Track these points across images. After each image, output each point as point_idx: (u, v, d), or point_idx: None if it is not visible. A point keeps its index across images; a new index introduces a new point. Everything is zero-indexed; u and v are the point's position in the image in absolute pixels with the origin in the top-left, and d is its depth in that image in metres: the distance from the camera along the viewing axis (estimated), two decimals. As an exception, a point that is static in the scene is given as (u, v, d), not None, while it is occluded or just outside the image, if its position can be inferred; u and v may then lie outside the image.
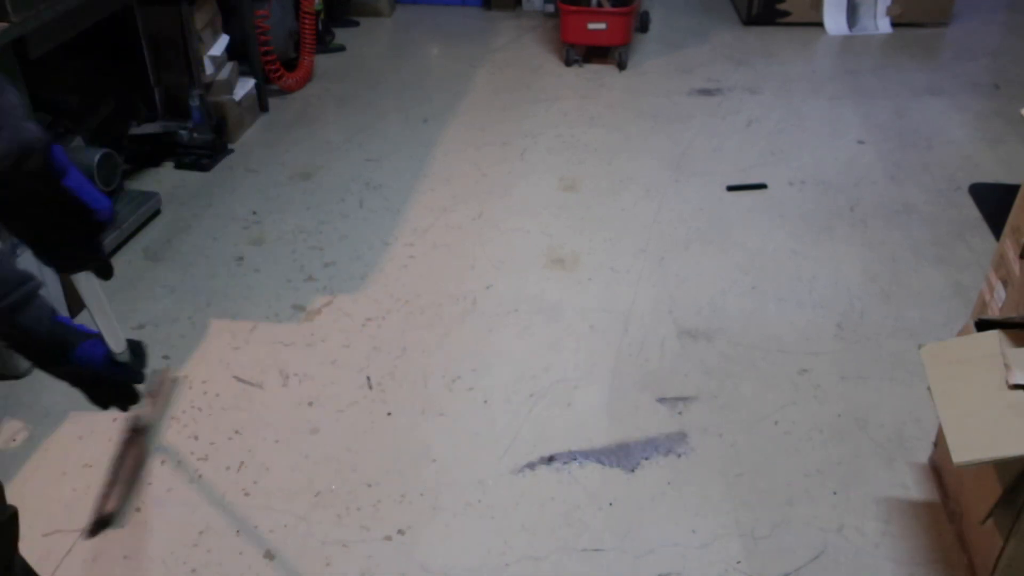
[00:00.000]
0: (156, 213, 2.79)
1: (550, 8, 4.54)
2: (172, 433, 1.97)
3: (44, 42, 2.20)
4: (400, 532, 1.74)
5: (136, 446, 1.53)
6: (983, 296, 1.74)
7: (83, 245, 0.97)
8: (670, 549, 1.69)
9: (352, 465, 1.89)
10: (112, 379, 1.19)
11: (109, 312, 1.10)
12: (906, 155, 3.12)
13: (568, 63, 3.91)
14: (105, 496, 1.46)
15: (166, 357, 2.19)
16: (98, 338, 1.14)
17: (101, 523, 1.42)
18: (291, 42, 3.71)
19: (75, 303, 2.33)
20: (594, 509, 1.78)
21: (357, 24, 4.46)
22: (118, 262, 2.58)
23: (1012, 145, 3.18)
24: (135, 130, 2.95)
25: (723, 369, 2.14)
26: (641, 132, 3.31)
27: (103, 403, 1.21)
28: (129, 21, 2.86)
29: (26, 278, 1.08)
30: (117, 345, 1.13)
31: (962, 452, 1.32)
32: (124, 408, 1.22)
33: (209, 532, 1.74)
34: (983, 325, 1.51)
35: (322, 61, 3.98)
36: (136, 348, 1.19)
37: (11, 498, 1.87)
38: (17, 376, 2.13)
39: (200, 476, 1.87)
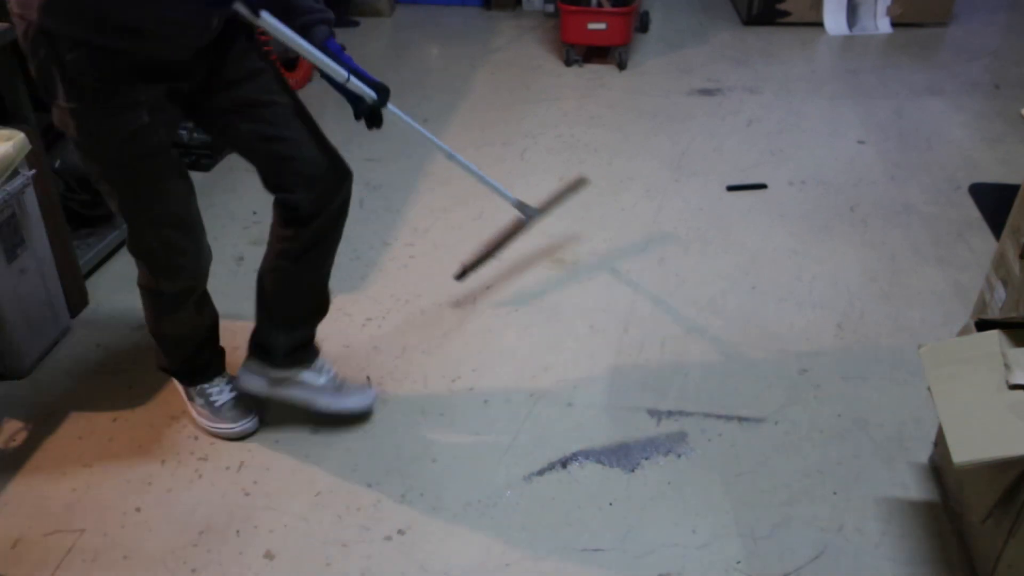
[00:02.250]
0: (156, 213, 2.79)
1: (550, 8, 4.54)
2: (172, 433, 1.97)
3: (44, 42, 2.19)
4: (400, 532, 1.74)
5: (512, 231, 2.34)
6: (983, 296, 1.74)
7: None
8: (670, 549, 1.69)
9: (352, 465, 1.89)
10: (349, 98, 1.73)
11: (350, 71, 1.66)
12: (906, 155, 3.12)
13: (568, 63, 3.91)
14: (475, 256, 2.32)
15: (166, 357, 2.19)
16: (347, 68, 1.65)
17: (464, 271, 2.33)
18: (291, 42, 3.71)
19: (75, 304, 2.33)
20: (594, 509, 1.78)
21: (357, 24, 4.46)
22: (118, 262, 2.58)
23: (1012, 145, 3.18)
24: (135, 130, 2.95)
25: (723, 369, 2.14)
26: (641, 132, 3.31)
27: (356, 116, 1.75)
28: (129, 21, 2.86)
29: (318, 10, 1.61)
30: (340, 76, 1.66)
31: (962, 452, 1.33)
32: (368, 127, 1.78)
33: (209, 532, 1.74)
34: (983, 325, 1.51)
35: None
36: (381, 92, 1.73)
37: (11, 498, 1.88)
38: (17, 376, 2.13)
39: (200, 476, 1.87)
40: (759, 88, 3.67)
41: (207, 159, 3.07)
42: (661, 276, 2.49)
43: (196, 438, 1.96)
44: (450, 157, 2.10)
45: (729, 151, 3.16)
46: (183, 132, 3.04)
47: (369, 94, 1.71)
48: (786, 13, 4.32)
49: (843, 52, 4.08)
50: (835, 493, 1.81)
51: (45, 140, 2.28)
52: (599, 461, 1.89)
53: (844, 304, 2.36)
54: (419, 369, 2.16)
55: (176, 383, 2.04)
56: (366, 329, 2.30)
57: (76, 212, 2.49)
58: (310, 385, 1.92)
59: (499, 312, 2.35)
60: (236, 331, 2.28)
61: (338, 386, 1.95)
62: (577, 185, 2.56)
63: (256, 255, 2.59)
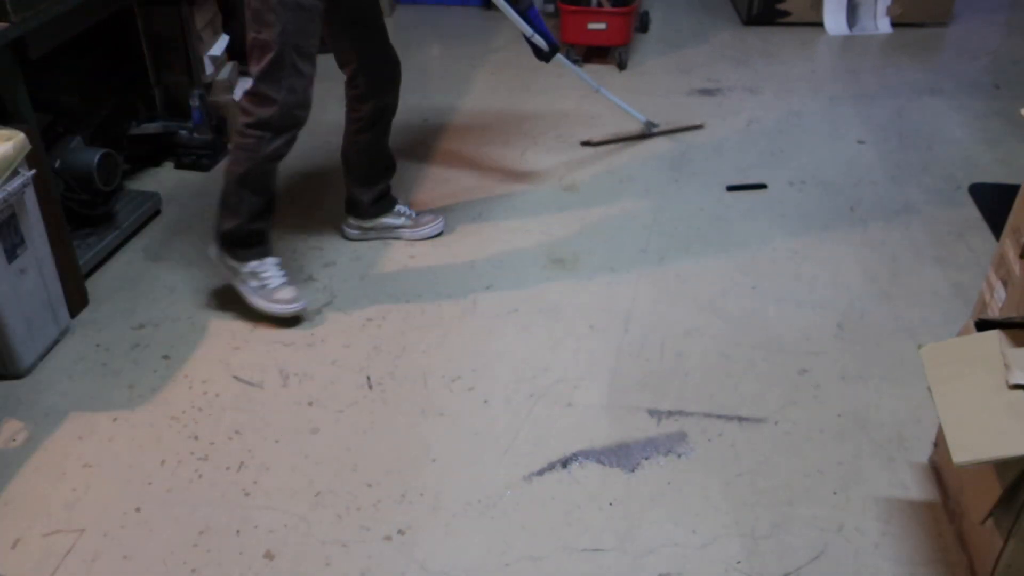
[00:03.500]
0: (156, 213, 2.79)
1: (550, 8, 4.53)
2: (172, 433, 1.98)
3: (44, 42, 2.20)
4: (400, 532, 1.74)
5: (634, 135, 3.25)
6: (983, 296, 1.74)
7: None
8: (670, 549, 1.69)
9: (352, 465, 1.89)
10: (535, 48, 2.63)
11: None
12: (906, 155, 3.12)
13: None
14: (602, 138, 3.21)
15: (166, 357, 2.19)
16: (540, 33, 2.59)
17: (589, 142, 3.21)
18: (291, 42, 3.71)
19: (75, 304, 2.33)
20: (594, 509, 1.78)
21: (357, 24, 4.45)
22: (118, 262, 2.58)
23: (1012, 145, 3.18)
24: (135, 130, 2.95)
25: (723, 369, 2.14)
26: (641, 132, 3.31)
27: (537, 57, 2.66)
28: (129, 21, 2.86)
29: None
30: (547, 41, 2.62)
31: (962, 452, 1.33)
32: (544, 60, 2.68)
33: (209, 532, 1.74)
34: (983, 325, 1.51)
35: (322, 61, 3.96)
36: (552, 48, 2.63)
37: (11, 498, 1.88)
38: (17, 376, 2.13)
39: (200, 476, 1.87)
40: (759, 88, 3.67)
41: (207, 159, 3.07)
42: (661, 276, 2.49)
43: (196, 438, 1.96)
44: (596, 90, 3.08)
45: (729, 151, 3.16)
46: (183, 132, 3.04)
47: (542, 47, 2.60)
48: (786, 13, 4.32)
49: (843, 52, 4.08)
50: (835, 493, 1.81)
51: (45, 140, 2.28)
52: (599, 461, 1.90)
53: (844, 304, 2.36)
54: (419, 369, 2.16)
55: (229, 268, 2.31)
56: (366, 329, 2.30)
57: (76, 212, 2.49)
58: (392, 225, 2.63)
59: (499, 312, 2.35)
60: (236, 331, 2.29)
61: (414, 222, 2.64)
62: (694, 127, 3.28)
63: (256, 255, 2.60)
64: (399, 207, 2.64)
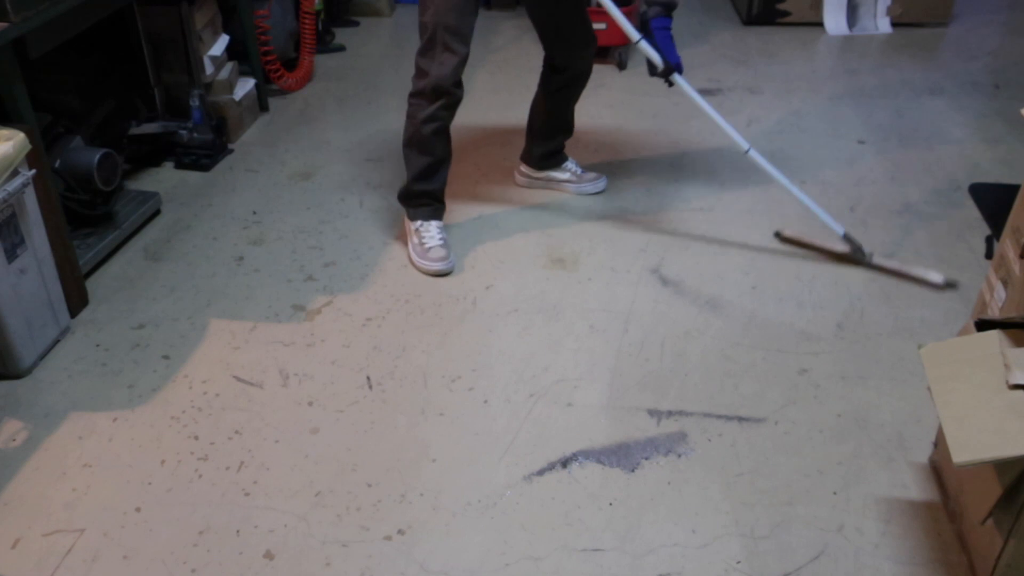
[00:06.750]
0: (156, 213, 2.79)
1: (550, 8, 4.53)
2: (172, 433, 1.98)
3: (44, 42, 2.20)
4: (400, 532, 1.74)
5: (835, 253, 2.53)
6: (983, 296, 1.74)
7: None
8: (670, 549, 1.69)
9: (352, 465, 1.89)
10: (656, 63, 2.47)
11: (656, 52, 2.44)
12: (906, 155, 3.12)
13: (568, 63, 3.90)
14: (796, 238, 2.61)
15: (166, 357, 2.19)
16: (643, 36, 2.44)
17: (781, 236, 2.64)
18: (291, 42, 3.71)
19: (75, 304, 2.33)
20: (594, 509, 1.78)
21: (357, 24, 4.46)
22: (118, 262, 2.58)
23: (1012, 145, 3.18)
24: (135, 130, 2.95)
25: (723, 369, 2.14)
26: (641, 132, 3.31)
27: (649, 72, 2.51)
28: (129, 21, 2.86)
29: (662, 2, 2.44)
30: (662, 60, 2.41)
31: (962, 452, 1.33)
32: (663, 77, 2.50)
33: (209, 532, 1.74)
34: (983, 325, 1.51)
35: (322, 61, 3.98)
36: (667, 66, 2.45)
37: (11, 498, 1.88)
38: (17, 376, 2.13)
39: (200, 476, 1.87)
40: (759, 88, 3.67)
41: (207, 159, 3.07)
42: (661, 276, 2.49)
43: (196, 438, 1.96)
44: (747, 152, 2.52)
45: (729, 151, 3.16)
46: (183, 132, 3.04)
47: (656, 62, 2.41)
48: (786, 13, 4.32)
49: (843, 52, 4.08)
50: (835, 493, 1.81)
51: (45, 140, 2.28)
52: (599, 461, 1.89)
53: (844, 304, 2.36)
54: (419, 369, 2.16)
55: (406, 221, 2.61)
56: (366, 329, 2.30)
57: (76, 212, 2.49)
58: (557, 179, 2.87)
59: (499, 312, 2.35)
60: (236, 331, 2.29)
61: (579, 178, 2.86)
62: (932, 284, 2.37)
63: (256, 255, 2.60)
64: (567, 164, 2.87)
